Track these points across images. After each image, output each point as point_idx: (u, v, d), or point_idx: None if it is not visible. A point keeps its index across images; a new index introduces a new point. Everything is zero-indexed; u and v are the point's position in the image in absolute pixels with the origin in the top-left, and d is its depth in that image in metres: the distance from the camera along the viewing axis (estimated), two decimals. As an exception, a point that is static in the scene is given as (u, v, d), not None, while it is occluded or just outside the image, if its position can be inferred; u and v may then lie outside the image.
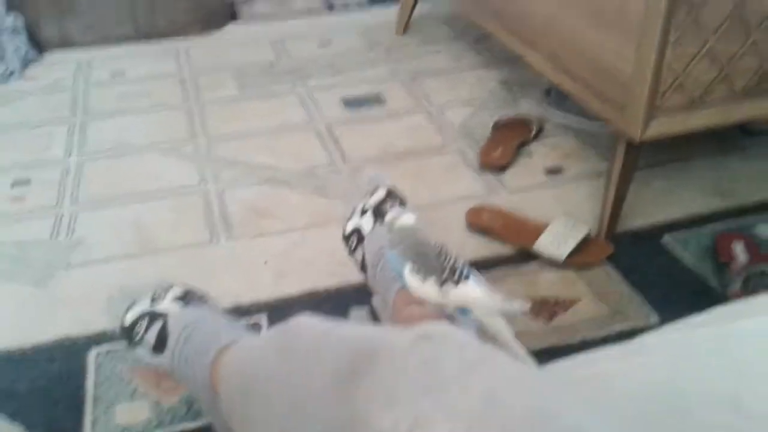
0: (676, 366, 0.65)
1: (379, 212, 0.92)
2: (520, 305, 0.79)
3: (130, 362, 1.05)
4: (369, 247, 0.91)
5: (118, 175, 1.53)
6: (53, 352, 1.08)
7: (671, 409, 0.57)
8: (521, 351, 0.78)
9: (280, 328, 0.64)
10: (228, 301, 1.14)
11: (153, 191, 1.47)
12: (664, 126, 1.15)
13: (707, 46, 1.09)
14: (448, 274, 0.77)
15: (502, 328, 0.78)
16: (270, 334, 0.68)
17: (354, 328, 0.57)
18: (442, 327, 0.76)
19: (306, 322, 0.61)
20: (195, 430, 0.96)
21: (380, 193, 0.96)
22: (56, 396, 1.01)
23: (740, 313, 0.73)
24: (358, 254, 0.93)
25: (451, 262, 0.78)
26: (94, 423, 0.97)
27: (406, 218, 0.80)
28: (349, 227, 0.95)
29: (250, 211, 1.40)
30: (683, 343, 0.69)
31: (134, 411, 0.98)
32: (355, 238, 0.94)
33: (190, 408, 0.99)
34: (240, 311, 1.14)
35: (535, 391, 0.44)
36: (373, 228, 0.92)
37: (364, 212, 0.95)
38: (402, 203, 0.96)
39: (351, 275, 1.18)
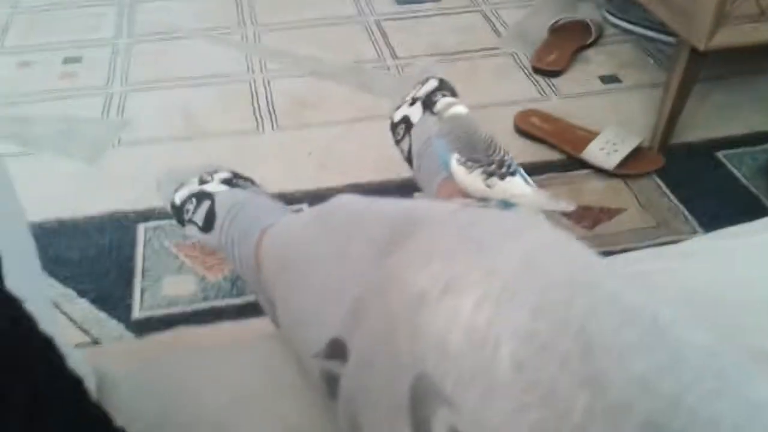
0: (717, 271, 0.65)
1: (429, 102, 0.90)
2: (565, 204, 0.78)
3: (178, 238, 1.09)
4: (416, 137, 0.89)
5: (167, 59, 1.53)
6: (104, 224, 1.12)
7: (712, 312, 0.57)
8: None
9: (322, 205, 0.64)
10: (271, 189, 1.15)
11: (201, 77, 1.47)
12: (731, 36, 1.09)
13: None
14: (496, 167, 0.76)
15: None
16: (311, 211, 0.69)
17: (396, 201, 0.56)
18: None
19: (347, 198, 0.61)
20: (239, 306, 0.99)
21: (431, 84, 0.94)
22: (106, 266, 1.05)
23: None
24: (405, 144, 0.92)
25: (500, 155, 0.77)
26: (142, 293, 1.01)
27: (458, 107, 0.78)
28: (398, 116, 0.94)
29: (295, 102, 1.40)
30: (726, 251, 0.68)
31: (181, 284, 1.02)
32: (402, 127, 0.92)
33: (234, 284, 1.02)
34: (283, 199, 1.13)
35: (576, 260, 0.43)
36: (423, 117, 0.90)
37: (414, 102, 0.92)
38: (454, 95, 0.93)
39: (394, 171, 1.18)
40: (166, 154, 1.26)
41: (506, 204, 0.78)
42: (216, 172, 0.92)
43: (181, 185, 0.91)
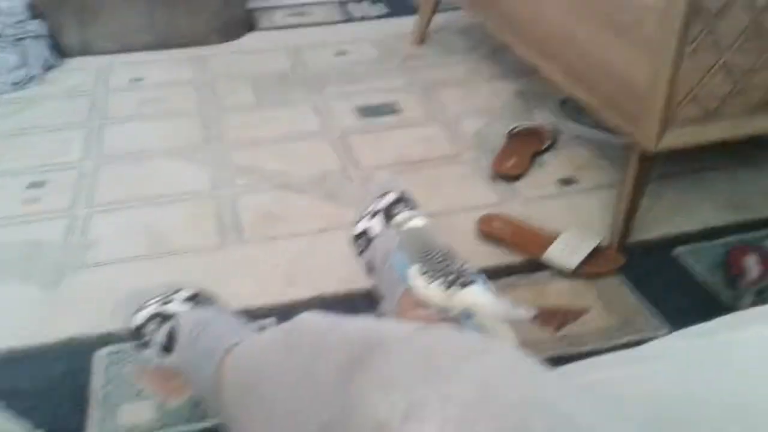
0: (681, 374, 0.64)
1: (389, 215, 0.92)
2: (525, 311, 0.79)
3: (137, 363, 1.06)
4: (377, 249, 0.91)
5: (133, 179, 1.55)
6: (59, 352, 1.09)
7: (677, 418, 0.57)
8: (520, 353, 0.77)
9: (285, 325, 0.64)
10: (238, 305, 1.14)
11: (167, 196, 1.48)
12: (678, 137, 1.14)
13: (723, 59, 1.08)
14: (455, 277, 0.77)
15: (506, 334, 0.78)
16: (275, 332, 0.69)
17: (358, 321, 0.57)
18: (444, 326, 0.76)
19: (311, 319, 0.61)
20: None
21: (392, 196, 0.96)
22: (61, 395, 1.01)
23: (744, 322, 0.72)
24: (366, 256, 0.93)
25: (458, 265, 0.78)
26: (99, 423, 0.97)
27: (416, 220, 0.80)
28: (359, 228, 0.96)
29: (261, 216, 1.41)
30: (688, 352, 0.68)
31: (139, 411, 0.99)
32: (364, 240, 0.94)
33: (195, 409, 0.99)
34: (250, 315, 1.13)
35: (531, 381, 0.45)
36: (382, 230, 0.91)
37: (374, 214, 0.95)
38: (413, 207, 0.96)
39: (360, 281, 1.18)
40: (129, 276, 1.25)
41: (467, 314, 0.79)
42: (178, 291, 0.92)
43: (142, 306, 0.91)
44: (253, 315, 1.14)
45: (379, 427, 0.42)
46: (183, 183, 1.52)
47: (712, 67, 1.08)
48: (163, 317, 0.86)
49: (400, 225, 0.80)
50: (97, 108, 1.86)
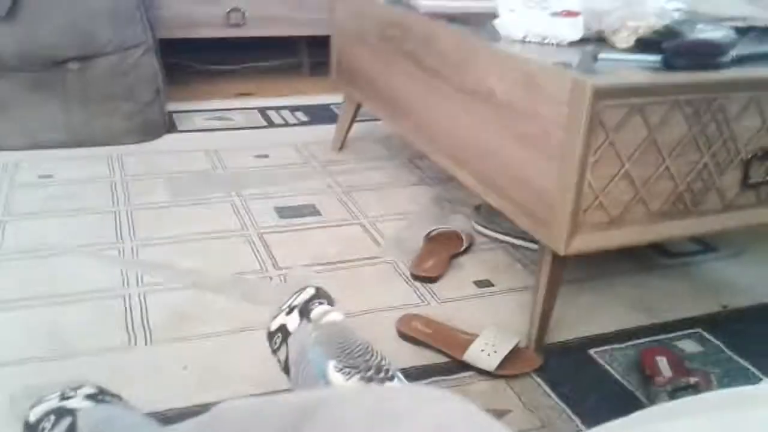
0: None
1: (305, 310, 0.90)
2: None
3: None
4: (293, 346, 0.88)
5: (36, 276, 1.46)
6: (-61, 462, 0.98)
7: None
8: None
9: (202, 417, 0.59)
10: (142, 409, 1.07)
11: (71, 294, 1.40)
12: (586, 242, 1.19)
13: (624, 168, 1.15)
14: (374, 372, 0.75)
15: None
16: (188, 425, 0.64)
17: (293, 394, 0.54)
18: None
19: (231, 405, 0.57)
20: None
21: (308, 292, 0.95)
22: None
23: (659, 416, 0.73)
24: (282, 353, 0.90)
25: (377, 360, 0.76)
26: None
27: (334, 315, 0.79)
28: (275, 325, 0.93)
29: (172, 315, 1.35)
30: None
31: None
32: (279, 336, 0.91)
33: None
34: (156, 419, 1.06)
35: (490, 425, 0.44)
36: (299, 326, 0.89)
37: (291, 310, 0.92)
38: (330, 303, 0.94)
39: (277, 383, 1.14)
40: (26, 375, 1.15)
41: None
42: (80, 387, 0.86)
43: (39, 401, 0.83)
44: (158, 420, 1.07)
45: None
46: (90, 281, 1.45)
47: (615, 176, 1.15)
48: (62, 413, 0.79)
49: (317, 319, 0.78)
50: (1, 203, 1.77)
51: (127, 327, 1.31)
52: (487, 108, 1.35)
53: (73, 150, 2.12)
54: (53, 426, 0.78)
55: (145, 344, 1.27)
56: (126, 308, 1.37)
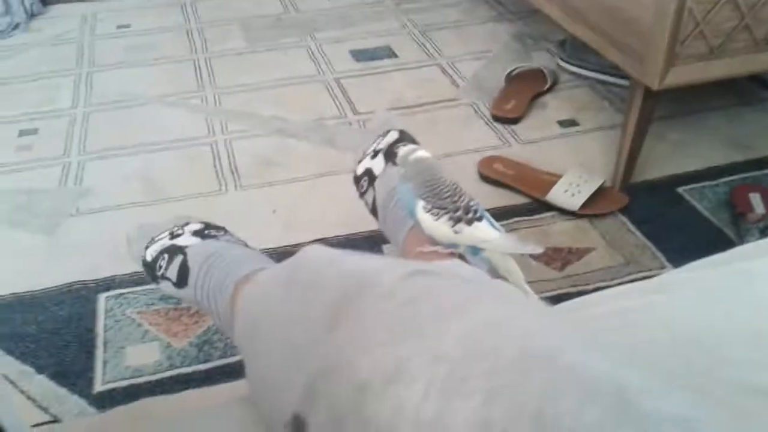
0: (697, 304, 0.64)
1: (391, 154, 0.90)
2: (533, 247, 0.78)
3: (141, 306, 1.05)
4: (380, 188, 0.89)
5: (126, 125, 1.51)
6: (62, 296, 1.08)
7: (696, 346, 0.56)
8: (531, 293, 0.76)
9: (290, 260, 0.62)
10: (238, 249, 1.13)
11: (161, 142, 1.45)
12: (682, 74, 1.12)
13: (729, -8, 1.05)
14: (462, 212, 0.75)
15: (513, 269, 0.77)
16: (280, 267, 0.67)
17: (357, 258, 0.55)
18: (445, 264, 0.74)
19: (314, 252, 0.59)
20: (206, 371, 0.95)
21: (392, 135, 0.94)
22: (66, 339, 1.00)
23: (758, 252, 0.71)
24: (369, 196, 0.91)
25: (465, 201, 0.76)
26: (104, 364, 0.97)
27: (421, 152, 0.78)
28: (360, 169, 0.93)
29: (258, 161, 1.39)
30: (704, 282, 0.67)
31: (144, 353, 0.98)
32: (366, 180, 0.92)
33: (201, 350, 0.98)
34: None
35: (529, 332, 0.41)
36: (385, 169, 0.89)
37: (375, 154, 0.92)
38: (414, 145, 0.93)
39: (361, 225, 1.17)
40: (126, 221, 1.22)
41: (474, 250, 0.78)
42: (187, 224, 0.90)
43: (152, 241, 0.89)
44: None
45: (361, 389, 0.40)
46: (176, 129, 1.49)
47: (718, 1, 1.06)
48: (174, 251, 0.84)
49: (404, 157, 0.78)
50: (85, 55, 1.81)
51: (216, 173, 1.36)
52: (576, -70, 1.24)
53: (146, -1, 2.10)
54: (168, 264, 0.83)
55: (235, 189, 1.31)
56: (214, 155, 1.41)
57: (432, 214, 0.75)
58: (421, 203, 0.76)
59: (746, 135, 1.41)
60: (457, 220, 0.75)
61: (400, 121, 1.01)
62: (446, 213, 0.75)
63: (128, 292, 1.08)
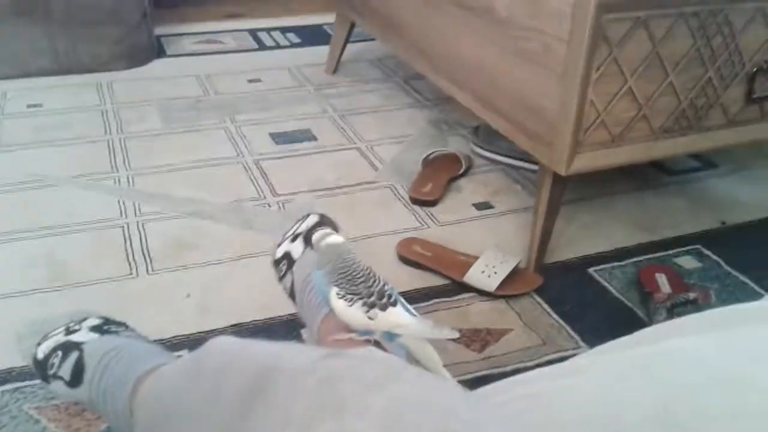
0: (607, 385, 0.65)
1: (309, 238, 0.89)
2: (449, 331, 0.78)
3: (39, 401, 0.98)
4: (298, 273, 0.88)
5: (32, 207, 1.45)
6: (-50, 392, 0.99)
7: (608, 423, 0.57)
8: (450, 379, 0.76)
9: (196, 352, 0.60)
10: (149, 337, 1.08)
11: (69, 224, 1.40)
12: (588, 161, 1.17)
13: (627, 85, 1.13)
14: (376, 298, 0.75)
15: (431, 354, 0.77)
16: (185, 359, 0.64)
17: (267, 345, 0.53)
18: (360, 351, 0.73)
19: (222, 342, 0.57)
20: (107, 473, 0.89)
21: (312, 219, 0.94)
22: (-49, 440, 0.92)
23: (665, 334, 0.74)
24: (288, 280, 0.90)
25: (379, 285, 0.76)
26: (-7, 468, 0.89)
27: (334, 237, 0.78)
28: (279, 252, 0.92)
29: (172, 244, 1.35)
30: (613, 363, 0.69)
31: (40, 454, 0.90)
32: (285, 264, 0.91)
33: (103, 449, 0.92)
34: (161, 346, 1.07)
35: (446, 412, 0.41)
36: (303, 253, 0.89)
37: (295, 237, 0.92)
38: (335, 229, 0.94)
39: (280, 309, 1.15)
40: (28, 308, 1.16)
41: (390, 335, 0.77)
42: (85, 319, 0.86)
43: (45, 337, 0.84)
44: (165, 347, 1.08)
45: None
46: (86, 211, 1.44)
47: (618, 92, 1.13)
48: (69, 347, 0.79)
49: (317, 242, 0.78)
50: (-9, 134, 1.74)
51: (127, 256, 1.31)
52: (486, 24, 1.31)
53: (60, 77, 2.06)
54: (61, 362, 0.78)
55: (147, 273, 1.27)
56: (125, 238, 1.36)
57: (345, 300, 0.75)
58: (334, 289, 0.75)
59: (650, 217, 1.48)
60: (371, 306, 0.74)
61: (321, 205, 1.02)
62: (360, 299, 0.75)
63: (25, 386, 1.00)
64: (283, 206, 1.48)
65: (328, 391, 0.42)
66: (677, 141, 1.23)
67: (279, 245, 0.94)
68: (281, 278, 0.92)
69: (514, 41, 1.23)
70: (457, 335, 0.80)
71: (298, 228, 0.94)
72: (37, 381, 1.00)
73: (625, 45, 1.09)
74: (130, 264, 1.29)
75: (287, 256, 0.91)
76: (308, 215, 0.96)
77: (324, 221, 0.95)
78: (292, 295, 0.90)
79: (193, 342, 1.10)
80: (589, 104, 1.12)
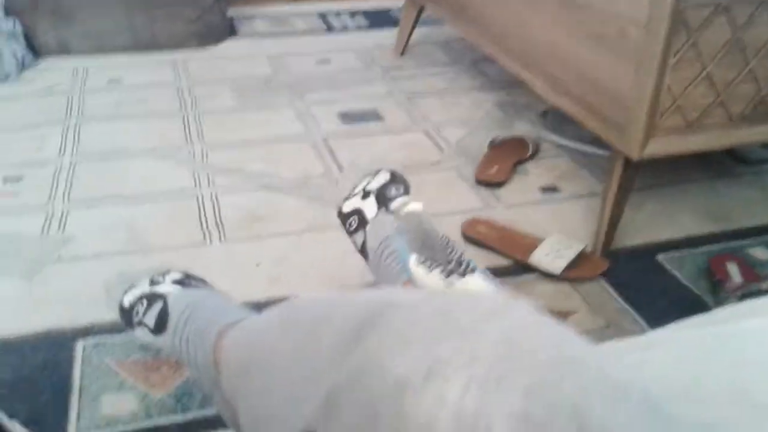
0: (685, 361, 0.65)
1: (383, 197, 0.90)
2: (527, 302, 0.78)
3: (119, 355, 1.03)
4: (372, 234, 0.89)
5: (112, 176, 1.52)
6: (39, 342, 1.05)
7: (681, 403, 0.57)
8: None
9: (283, 304, 0.62)
10: (220, 301, 1.12)
11: (146, 194, 1.46)
12: (661, 146, 1.16)
13: (705, 71, 1.11)
14: (455, 265, 0.76)
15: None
16: (273, 311, 0.67)
17: (364, 291, 0.55)
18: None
19: (309, 297, 0.59)
20: (184, 423, 0.93)
21: (383, 176, 0.94)
22: (41, 386, 0.98)
23: (741, 313, 0.73)
24: (359, 237, 0.90)
25: (458, 254, 0.77)
26: (79, 413, 0.94)
27: (414, 205, 0.79)
28: (348, 207, 0.92)
29: (244, 215, 1.39)
30: (689, 339, 0.68)
31: (121, 403, 0.96)
32: (355, 220, 0.91)
33: (179, 401, 0.96)
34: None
35: (560, 337, 0.42)
36: (377, 214, 0.90)
37: (366, 194, 0.92)
38: (406, 188, 0.94)
39: (348, 280, 1.18)
40: (108, 270, 1.22)
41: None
42: (168, 272, 0.90)
43: (131, 286, 0.88)
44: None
45: (399, 385, 0.39)
46: (163, 181, 1.50)
47: (695, 78, 1.11)
48: (153, 297, 0.83)
49: (398, 210, 0.79)
50: (74, 107, 1.82)
51: (201, 225, 1.36)
52: (561, 6, 1.30)
53: (137, 55, 2.14)
54: (146, 310, 0.82)
55: (220, 241, 1.31)
56: (199, 208, 1.41)
57: (425, 266, 0.76)
58: (414, 256, 0.77)
59: (722, 207, 1.45)
60: (450, 273, 0.76)
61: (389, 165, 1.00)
62: (439, 266, 0.76)
63: (107, 341, 1.06)
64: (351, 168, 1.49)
65: (446, 320, 0.43)
66: (755, 129, 1.20)
67: (346, 199, 0.94)
68: (352, 233, 0.92)
69: (589, 25, 1.22)
70: (536, 305, 0.80)
71: (368, 184, 0.94)
72: (118, 336, 1.06)
73: (704, 31, 1.07)
74: (203, 233, 1.34)
75: (359, 212, 0.91)
76: (379, 171, 0.96)
77: (395, 179, 0.95)
78: (363, 251, 0.91)
79: (262, 309, 1.13)
80: (665, 89, 1.10)
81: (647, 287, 1.21)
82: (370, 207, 0.91)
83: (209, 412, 0.94)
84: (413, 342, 0.42)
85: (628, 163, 1.20)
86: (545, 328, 0.44)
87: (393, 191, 0.90)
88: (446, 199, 1.46)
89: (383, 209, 0.89)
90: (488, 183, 1.51)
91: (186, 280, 0.87)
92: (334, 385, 0.46)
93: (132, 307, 0.85)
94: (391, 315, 0.45)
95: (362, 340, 0.45)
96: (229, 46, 2.26)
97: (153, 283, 0.86)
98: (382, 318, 0.45)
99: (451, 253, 0.76)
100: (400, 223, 0.78)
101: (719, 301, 1.14)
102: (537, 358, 0.39)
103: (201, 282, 0.89)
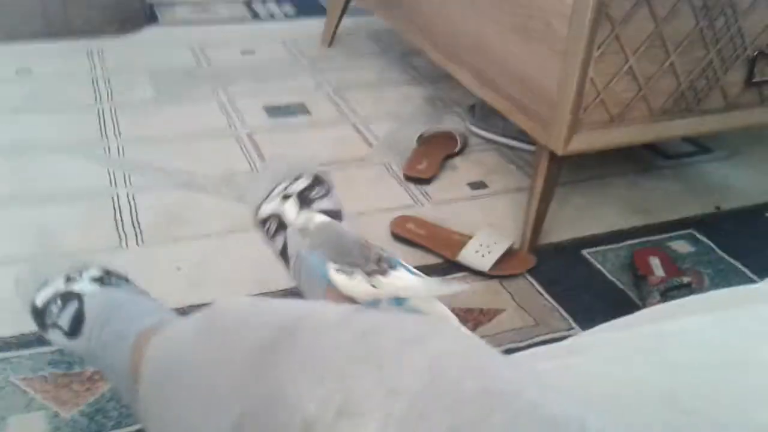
0: (608, 365, 0.64)
1: (305, 198, 0.86)
2: (458, 285, 0.74)
3: (26, 372, 0.96)
4: (292, 241, 0.85)
5: (22, 174, 1.43)
6: (-64, 360, 0.98)
7: (605, 408, 0.56)
8: (468, 333, 0.75)
9: (203, 310, 0.58)
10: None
11: (59, 193, 1.37)
12: (585, 141, 1.17)
13: (628, 64, 1.12)
14: (374, 264, 0.73)
15: (445, 313, 0.74)
16: (192, 318, 0.62)
17: (285, 301, 0.51)
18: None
19: (232, 301, 0.55)
20: (96, 444, 0.88)
21: (304, 181, 0.90)
22: (-63, 408, 0.91)
23: (667, 314, 0.73)
24: (279, 241, 0.86)
25: (375, 252, 0.74)
26: (-20, 438, 0.88)
27: (320, 217, 0.76)
28: (266, 211, 0.88)
29: (163, 216, 1.33)
30: (614, 343, 0.68)
31: (30, 424, 0.89)
32: (274, 224, 0.87)
33: (92, 420, 0.91)
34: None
35: (488, 367, 0.40)
36: (297, 216, 0.85)
37: (286, 197, 0.88)
38: (329, 190, 0.90)
39: (272, 284, 1.14)
40: (14, 277, 1.14)
41: (398, 301, 0.75)
42: (86, 269, 0.83)
43: (45, 284, 0.82)
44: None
45: (307, 424, 0.37)
46: (75, 180, 1.42)
47: (618, 72, 1.12)
48: (68, 297, 0.77)
49: (305, 226, 0.76)
50: (-22, 99, 1.71)
51: (117, 227, 1.29)
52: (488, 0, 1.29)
53: (49, 42, 2.02)
54: (60, 311, 0.76)
55: (137, 245, 1.25)
56: (115, 208, 1.34)
57: (345, 273, 0.73)
58: (332, 266, 0.73)
59: (644, 201, 1.48)
60: (371, 273, 0.73)
61: (313, 165, 0.95)
62: (358, 268, 0.73)
63: (12, 356, 0.99)
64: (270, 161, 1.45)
65: (366, 346, 0.40)
66: (675, 123, 1.23)
67: (264, 202, 0.89)
68: (271, 238, 0.88)
69: (515, 18, 1.22)
70: (467, 286, 0.78)
71: (289, 187, 0.89)
72: (25, 351, 0.99)
73: (627, 23, 1.07)
74: (119, 235, 1.27)
75: (277, 216, 0.87)
76: (300, 176, 0.91)
77: (319, 181, 0.90)
78: (284, 255, 0.87)
79: (184, 315, 1.08)
80: (590, 82, 1.11)
81: (573, 282, 1.22)
82: (290, 210, 0.86)
83: (126, 430, 0.89)
84: (327, 371, 0.39)
85: (553, 158, 1.20)
86: (474, 354, 0.41)
87: (315, 192, 0.86)
88: (375, 196, 1.44)
89: (305, 210, 0.85)
90: (417, 179, 1.49)
91: (105, 277, 0.81)
92: (242, 413, 0.42)
93: (45, 306, 0.78)
94: (307, 336, 0.42)
95: (272, 366, 0.42)
96: (148, 33, 2.17)
97: (69, 280, 0.80)
98: (297, 339, 0.42)
99: (368, 252, 0.73)
100: (311, 240, 0.75)
101: (643, 295, 1.16)
102: (462, 390, 0.37)
103: (122, 279, 0.83)
